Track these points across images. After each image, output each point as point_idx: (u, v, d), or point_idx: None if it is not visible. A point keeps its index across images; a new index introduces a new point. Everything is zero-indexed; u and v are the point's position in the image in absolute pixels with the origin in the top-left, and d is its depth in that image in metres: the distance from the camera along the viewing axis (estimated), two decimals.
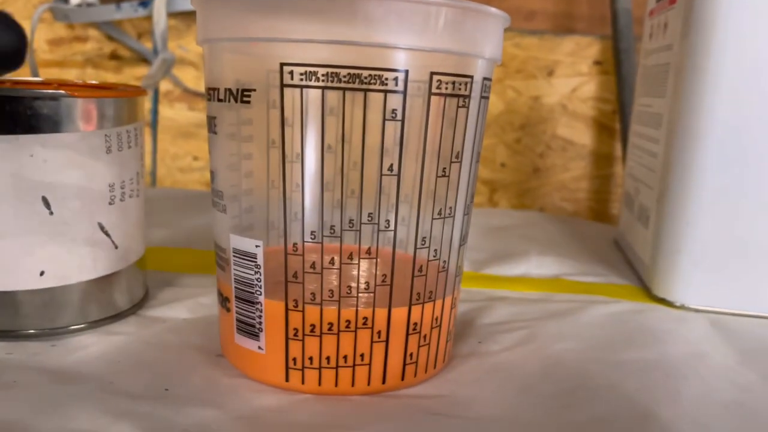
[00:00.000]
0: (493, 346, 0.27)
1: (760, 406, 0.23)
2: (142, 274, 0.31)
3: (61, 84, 0.30)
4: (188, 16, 0.59)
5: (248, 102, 0.21)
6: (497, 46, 0.23)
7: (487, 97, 0.24)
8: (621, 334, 0.29)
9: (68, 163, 0.25)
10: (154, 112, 0.62)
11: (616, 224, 0.49)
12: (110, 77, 0.62)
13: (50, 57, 0.62)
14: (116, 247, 0.27)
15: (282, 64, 0.20)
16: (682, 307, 0.34)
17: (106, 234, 0.27)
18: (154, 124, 0.63)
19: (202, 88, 0.62)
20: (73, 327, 0.27)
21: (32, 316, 0.26)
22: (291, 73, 0.20)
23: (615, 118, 0.61)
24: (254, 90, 0.21)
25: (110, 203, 0.27)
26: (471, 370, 0.25)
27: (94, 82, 0.31)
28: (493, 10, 0.22)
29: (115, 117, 0.27)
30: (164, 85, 0.62)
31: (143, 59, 0.61)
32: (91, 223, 0.26)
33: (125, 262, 0.28)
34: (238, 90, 0.21)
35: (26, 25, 0.61)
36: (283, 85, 0.20)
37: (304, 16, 0.20)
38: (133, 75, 0.62)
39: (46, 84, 0.30)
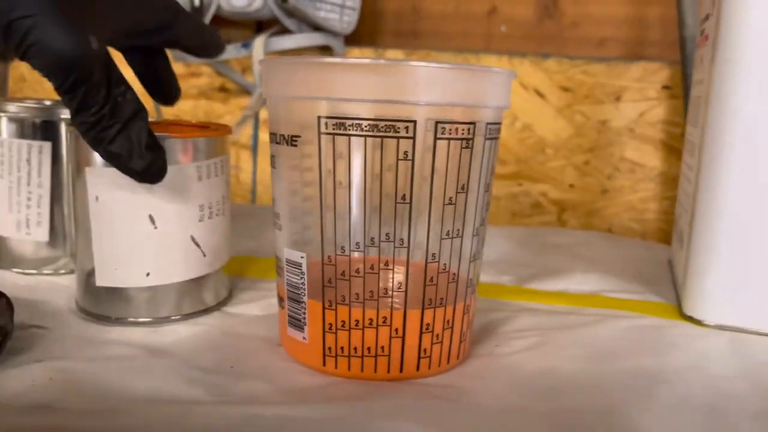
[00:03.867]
0: (507, 349, 0.31)
1: (733, 409, 0.26)
2: (227, 277, 0.37)
3: (170, 124, 0.38)
4: (283, 53, 0.67)
5: (296, 146, 0.27)
6: (504, 96, 0.28)
7: (493, 139, 0.28)
8: (627, 345, 0.32)
9: (169, 188, 0.32)
10: (255, 137, 0.71)
11: None
12: (219, 107, 0.71)
13: None
14: (204, 255, 0.34)
15: (319, 117, 0.26)
16: (705, 325, 0.36)
17: (197, 245, 0.34)
18: (254, 148, 0.71)
19: None
20: (171, 317, 0.34)
21: (140, 308, 0.33)
22: (326, 123, 0.26)
23: (683, 141, 0.62)
24: (299, 136, 0.27)
25: (200, 220, 0.34)
26: (481, 367, 0.29)
27: (193, 122, 0.39)
28: (499, 69, 0.27)
29: (206, 152, 0.34)
30: (263, 114, 0.70)
31: (246, 91, 0.70)
32: (185, 236, 0.33)
33: (212, 268, 0.35)
34: (289, 135, 0.28)
35: None
36: (320, 133, 0.26)
37: (348, 78, 0.26)
38: (238, 105, 0.71)
39: (155, 124, 0.38)
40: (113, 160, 0.29)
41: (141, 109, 0.29)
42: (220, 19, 0.65)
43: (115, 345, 0.30)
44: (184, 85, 0.71)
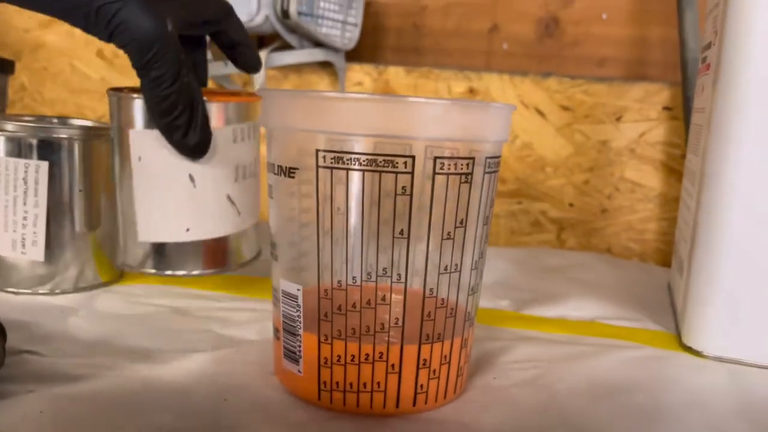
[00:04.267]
0: (505, 381, 0.31)
1: None
2: (256, 236, 0.40)
3: (205, 92, 0.38)
4: (285, 68, 0.67)
5: (293, 177, 0.27)
6: (504, 130, 0.28)
7: (493, 172, 0.28)
8: (625, 378, 0.32)
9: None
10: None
11: None
12: None
13: None
14: (239, 214, 0.36)
15: (317, 150, 0.26)
16: (705, 356, 0.36)
17: (232, 203, 0.36)
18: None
19: None
20: (205, 271, 0.37)
21: (181, 261, 0.36)
22: (324, 157, 0.26)
23: (683, 163, 0.62)
24: (297, 168, 0.27)
25: (235, 180, 0.36)
26: (478, 401, 0.29)
27: (224, 89, 0.42)
28: (498, 104, 0.27)
29: (240, 116, 0.36)
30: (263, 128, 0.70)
31: None
32: (222, 195, 0.36)
33: (245, 225, 0.38)
34: (287, 167, 0.27)
35: None
36: (318, 167, 0.26)
37: (347, 113, 0.25)
38: None
39: None
40: (173, 131, 0.33)
41: (200, 91, 0.33)
42: None
43: (108, 376, 0.30)
44: None
